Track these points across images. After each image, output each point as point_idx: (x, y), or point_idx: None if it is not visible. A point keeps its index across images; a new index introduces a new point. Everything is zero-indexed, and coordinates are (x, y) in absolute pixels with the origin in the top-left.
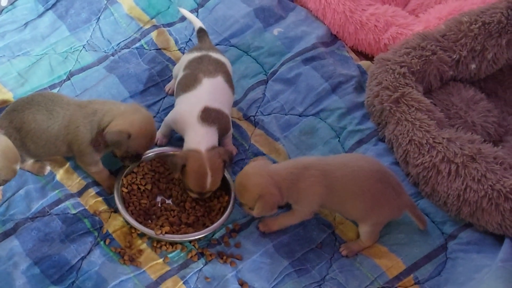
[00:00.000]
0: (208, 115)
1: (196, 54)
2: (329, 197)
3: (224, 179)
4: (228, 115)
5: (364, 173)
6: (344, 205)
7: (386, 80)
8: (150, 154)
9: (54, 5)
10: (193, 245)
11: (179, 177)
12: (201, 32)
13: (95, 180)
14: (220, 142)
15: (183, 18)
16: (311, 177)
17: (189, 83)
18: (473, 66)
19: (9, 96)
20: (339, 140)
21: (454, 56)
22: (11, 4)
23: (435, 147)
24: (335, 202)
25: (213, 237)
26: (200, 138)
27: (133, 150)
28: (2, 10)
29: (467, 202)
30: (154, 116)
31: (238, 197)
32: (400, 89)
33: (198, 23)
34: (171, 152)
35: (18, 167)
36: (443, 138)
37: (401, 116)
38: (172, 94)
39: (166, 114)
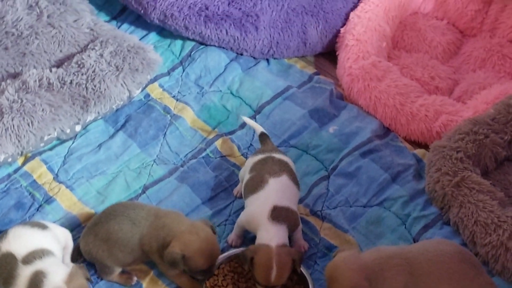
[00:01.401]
0: (278, 214)
1: (260, 156)
2: (414, 284)
3: (302, 276)
4: (296, 211)
5: (447, 256)
6: None
7: (445, 166)
8: (226, 257)
9: (123, 125)
10: None
11: (248, 269)
12: (262, 136)
13: (178, 286)
14: (291, 237)
15: (242, 126)
16: (396, 266)
17: (256, 184)
18: None
19: (91, 214)
20: (405, 227)
21: (506, 138)
22: (84, 128)
23: (500, 226)
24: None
25: None
26: (271, 236)
27: (194, 268)
28: (76, 135)
29: None
30: (226, 220)
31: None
32: (460, 173)
33: (259, 128)
34: None
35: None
36: (507, 216)
37: (464, 199)
38: (240, 197)
39: (237, 216)
